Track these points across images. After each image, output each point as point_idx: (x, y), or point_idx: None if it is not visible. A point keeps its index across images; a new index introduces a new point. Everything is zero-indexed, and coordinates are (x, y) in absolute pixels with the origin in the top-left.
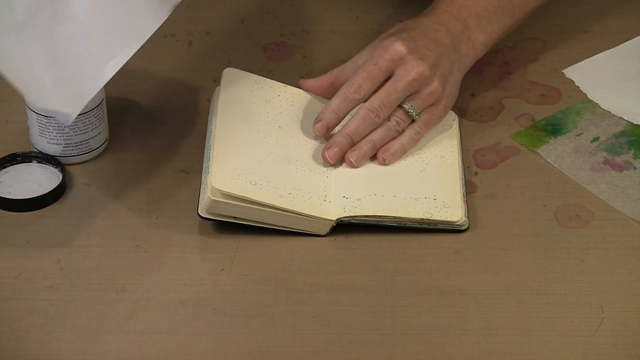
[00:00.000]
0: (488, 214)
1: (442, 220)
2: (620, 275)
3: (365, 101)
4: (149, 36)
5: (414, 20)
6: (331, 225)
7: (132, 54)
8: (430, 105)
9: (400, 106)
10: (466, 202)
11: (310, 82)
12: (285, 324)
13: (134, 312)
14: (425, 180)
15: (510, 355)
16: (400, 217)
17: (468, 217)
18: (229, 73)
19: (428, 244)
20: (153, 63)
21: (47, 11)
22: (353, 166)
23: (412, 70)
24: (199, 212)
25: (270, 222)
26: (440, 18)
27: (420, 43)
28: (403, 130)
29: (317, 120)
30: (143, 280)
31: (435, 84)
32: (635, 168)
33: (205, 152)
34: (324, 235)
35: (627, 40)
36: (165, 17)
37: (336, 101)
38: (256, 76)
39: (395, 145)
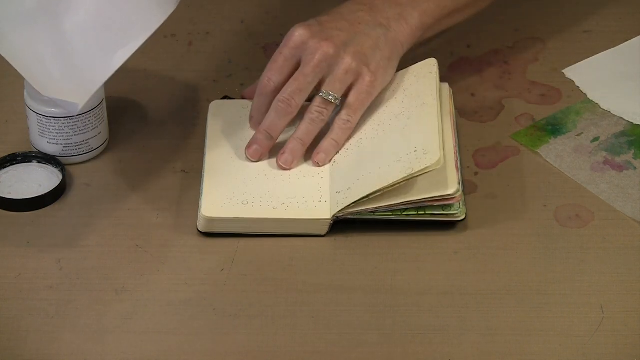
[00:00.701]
0: (488, 214)
1: (423, 169)
2: (620, 275)
3: None
4: (157, 27)
5: (337, 6)
6: (329, 224)
7: (140, 44)
8: (352, 85)
9: (317, 94)
10: (462, 189)
11: (248, 91)
12: (285, 324)
13: (134, 312)
14: (407, 135)
15: (510, 355)
16: (386, 187)
17: (464, 205)
18: (214, 106)
19: (428, 244)
20: (153, 63)
21: (57, 0)
22: (285, 169)
23: (315, 52)
24: (198, 228)
25: (268, 232)
26: (366, 0)
27: (329, 25)
28: (333, 121)
29: (250, 118)
30: (143, 280)
31: (346, 61)
32: (635, 168)
33: (204, 164)
34: (324, 235)
35: (627, 40)
36: (173, 9)
37: (255, 99)
38: (242, 101)
39: (325, 143)
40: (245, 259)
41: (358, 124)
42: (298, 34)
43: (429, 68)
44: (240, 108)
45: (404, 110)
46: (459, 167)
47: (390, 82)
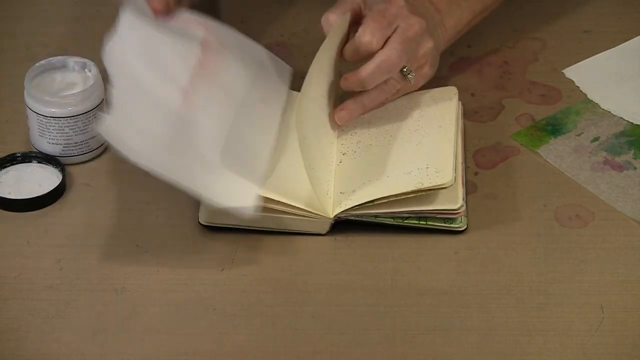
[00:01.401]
0: (488, 214)
1: (433, 187)
2: (620, 275)
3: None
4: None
5: None
6: (330, 223)
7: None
8: (419, 67)
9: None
10: (465, 200)
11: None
12: (285, 324)
13: (134, 312)
14: (420, 152)
15: (510, 355)
16: (392, 196)
17: (466, 217)
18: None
19: (428, 244)
20: None
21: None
22: (337, 124)
23: (415, 24)
24: (199, 220)
25: (270, 227)
26: (416, 1)
27: (416, 7)
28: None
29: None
30: (143, 280)
31: (430, 44)
32: (635, 168)
33: None
34: (324, 235)
35: (627, 40)
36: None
37: (349, 52)
38: None
39: (352, 103)
40: (245, 259)
41: (369, 130)
42: (400, 4)
43: (449, 95)
44: None
45: (419, 128)
46: (464, 181)
47: (408, 100)
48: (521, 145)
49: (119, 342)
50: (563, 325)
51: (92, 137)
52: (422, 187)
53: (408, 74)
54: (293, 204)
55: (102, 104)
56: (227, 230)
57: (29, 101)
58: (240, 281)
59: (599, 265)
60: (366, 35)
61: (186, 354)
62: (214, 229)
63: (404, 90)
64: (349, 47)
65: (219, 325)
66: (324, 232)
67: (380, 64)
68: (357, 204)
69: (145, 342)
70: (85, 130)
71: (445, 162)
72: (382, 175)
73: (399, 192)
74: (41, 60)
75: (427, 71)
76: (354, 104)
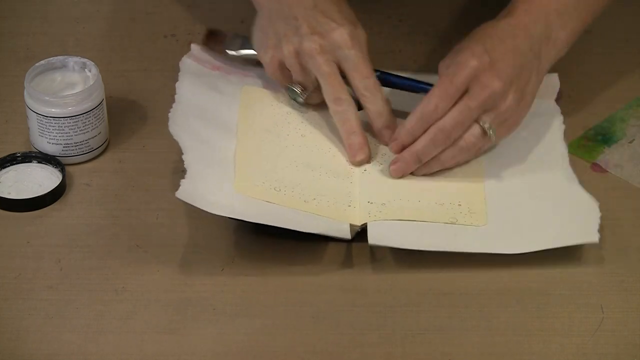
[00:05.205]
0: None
1: (467, 224)
2: (620, 275)
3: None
4: None
5: (492, 25)
6: (356, 231)
7: None
8: (503, 121)
9: (477, 123)
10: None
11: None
12: (285, 324)
13: (134, 312)
14: (450, 185)
15: (510, 355)
16: (423, 220)
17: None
18: (245, 91)
19: None
20: (153, 63)
21: None
22: (392, 176)
23: (486, 88)
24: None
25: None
26: (520, 21)
27: (497, 56)
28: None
29: (393, 139)
30: (143, 280)
31: (509, 100)
32: None
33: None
34: (351, 240)
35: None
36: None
37: (412, 121)
38: (275, 93)
39: (408, 154)
40: (245, 259)
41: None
42: (471, 65)
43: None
44: (273, 98)
45: None
46: None
47: None
48: (579, 158)
49: (119, 342)
50: (563, 325)
51: (92, 137)
52: (456, 222)
53: (490, 131)
54: (321, 215)
55: (102, 104)
56: (227, 230)
57: (29, 101)
58: (240, 281)
59: (599, 265)
60: (430, 105)
61: (186, 354)
62: (214, 228)
63: (485, 147)
64: (411, 117)
65: (219, 325)
66: (349, 237)
67: (435, 139)
68: (389, 219)
69: (145, 342)
70: (85, 130)
71: (477, 202)
72: (413, 198)
73: (432, 221)
74: (41, 60)
75: (517, 118)
76: (434, 163)
